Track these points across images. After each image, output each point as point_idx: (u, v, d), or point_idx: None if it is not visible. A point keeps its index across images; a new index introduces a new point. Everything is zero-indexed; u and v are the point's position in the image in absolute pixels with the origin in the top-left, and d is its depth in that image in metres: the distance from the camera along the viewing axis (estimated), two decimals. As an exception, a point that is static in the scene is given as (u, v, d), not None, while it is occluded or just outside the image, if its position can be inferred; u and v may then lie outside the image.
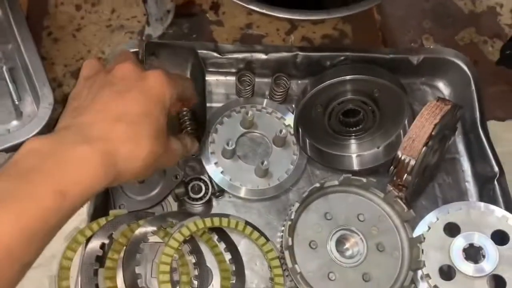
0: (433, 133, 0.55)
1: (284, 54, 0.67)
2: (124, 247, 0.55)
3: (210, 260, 0.60)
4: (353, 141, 0.66)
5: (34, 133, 0.60)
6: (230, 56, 0.67)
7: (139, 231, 0.56)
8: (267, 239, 0.60)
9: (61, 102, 0.66)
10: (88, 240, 0.54)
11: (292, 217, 0.58)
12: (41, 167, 0.35)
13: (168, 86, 0.44)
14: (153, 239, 0.58)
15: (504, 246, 0.57)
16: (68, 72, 0.71)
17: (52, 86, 0.65)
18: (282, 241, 0.59)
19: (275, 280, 0.57)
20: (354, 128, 0.64)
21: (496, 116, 0.72)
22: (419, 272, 0.58)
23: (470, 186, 0.66)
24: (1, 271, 0.31)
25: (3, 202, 0.33)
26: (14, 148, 0.59)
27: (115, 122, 0.40)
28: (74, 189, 0.35)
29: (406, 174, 0.56)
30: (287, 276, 0.58)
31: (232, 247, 0.61)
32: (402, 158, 0.56)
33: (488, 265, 0.56)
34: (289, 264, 0.56)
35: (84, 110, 0.41)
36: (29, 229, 0.33)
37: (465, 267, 0.56)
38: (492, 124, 0.70)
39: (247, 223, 0.60)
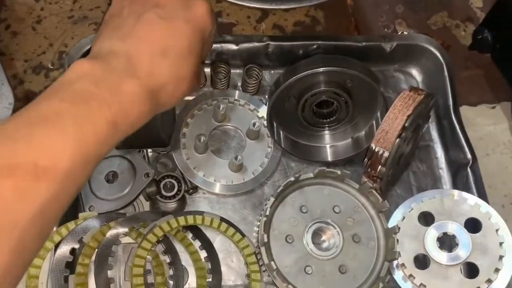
0: (406, 125, 0.54)
1: (255, 44, 0.65)
2: (95, 251, 0.53)
3: (185, 259, 0.59)
4: (327, 132, 0.66)
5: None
6: (199, 47, 0.65)
7: (110, 233, 0.55)
8: (243, 235, 0.59)
9: (22, 100, 0.63)
10: (56, 246, 0.52)
11: (267, 213, 0.57)
12: (97, 94, 0.35)
13: (212, 18, 0.43)
14: (125, 240, 0.56)
15: (477, 234, 0.57)
16: (29, 67, 0.67)
17: (12, 84, 0.61)
18: (258, 237, 0.59)
19: (251, 277, 0.57)
20: (328, 119, 0.64)
21: (468, 101, 0.72)
22: (395, 262, 0.58)
23: (444, 173, 0.67)
24: (64, 193, 0.32)
25: (64, 126, 0.32)
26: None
27: (161, 57, 0.39)
28: (124, 122, 0.36)
29: (380, 166, 0.56)
30: (264, 271, 0.58)
31: (207, 245, 0.60)
32: (376, 150, 0.55)
33: (461, 253, 0.56)
34: (265, 261, 0.55)
35: (129, 34, 0.40)
36: (87, 155, 0.33)
37: (439, 255, 0.57)
38: (464, 110, 0.70)
39: (222, 219, 0.59)
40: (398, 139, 0.54)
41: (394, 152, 0.55)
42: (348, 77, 0.59)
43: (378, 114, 0.62)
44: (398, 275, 0.58)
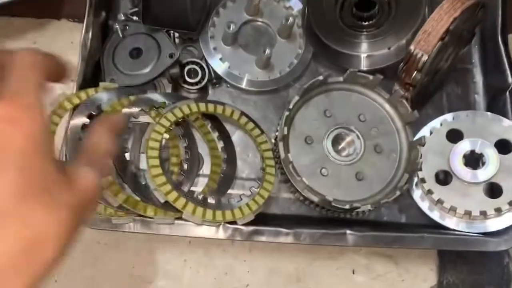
0: (451, 28, 0.51)
1: None
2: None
3: (203, 147, 0.58)
4: (363, 38, 0.62)
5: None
6: None
7: (129, 109, 0.54)
8: (262, 131, 0.58)
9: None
10: (75, 108, 0.52)
11: (291, 106, 0.55)
12: None
13: (20, 130, 0.25)
14: (143, 119, 0.55)
15: (506, 155, 0.55)
16: None
17: None
18: (277, 135, 0.57)
19: (266, 170, 0.56)
20: (367, 23, 0.60)
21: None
22: (415, 180, 0.57)
23: (480, 98, 0.63)
24: None
25: None
26: None
27: None
28: None
29: (416, 71, 0.53)
30: (278, 168, 0.57)
31: (225, 136, 0.59)
32: (415, 52, 0.52)
33: (487, 172, 0.54)
34: (282, 154, 0.54)
35: None
36: None
37: (463, 172, 0.54)
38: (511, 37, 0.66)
39: (243, 113, 0.58)
40: (440, 43, 0.51)
41: (433, 56, 0.52)
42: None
43: (423, 21, 0.58)
44: (416, 194, 0.57)
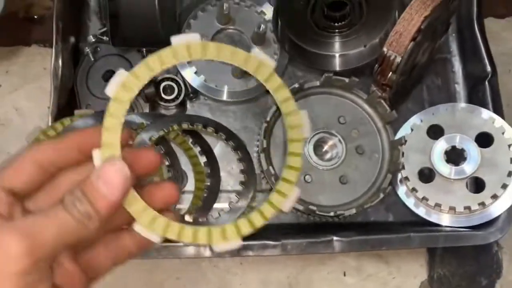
0: (422, 27, 0.50)
1: None
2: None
3: (185, 162, 0.58)
4: (337, 38, 0.61)
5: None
6: None
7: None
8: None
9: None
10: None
11: (268, 118, 0.55)
12: None
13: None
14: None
15: (487, 148, 0.54)
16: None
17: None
18: (258, 145, 0.57)
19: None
20: (339, 23, 0.59)
21: (495, 13, 0.66)
22: (399, 176, 0.57)
23: (460, 88, 0.63)
24: None
25: None
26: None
27: None
28: None
29: (391, 72, 0.52)
30: (263, 178, 0.57)
31: (207, 150, 0.59)
32: (388, 54, 0.51)
33: (469, 167, 0.54)
34: (264, 166, 0.54)
35: None
36: None
37: (445, 169, 0.54)
38: (490, 21, 0.65)
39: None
40: (412, 43, 0.50)
41: (406, 57, 0.51)
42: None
43: (396, 18, 0.57)
44: (401, 190, 0.57)
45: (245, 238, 0.53)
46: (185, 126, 0.56)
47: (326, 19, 0.59)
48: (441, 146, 0.55)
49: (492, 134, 0.55)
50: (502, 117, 0.56)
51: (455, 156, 0.55)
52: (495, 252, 0.59)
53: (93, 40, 0.59)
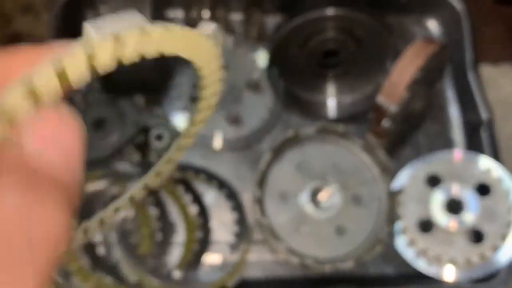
0: (416, 76, 0.50)
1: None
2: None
3: (173, 212, 0.57)
4: (332, 86, 0.61)
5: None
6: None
7: (97, 182, 0.52)
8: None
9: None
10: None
11: (262, 167, 0.54)
12: None
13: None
14: (112, 192, 0.54)
15: (486, 197, 0.53)
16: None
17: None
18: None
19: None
20: (334, 70, 0.59)
21: (490, 59, 0.66)
22: (397, 226, 0.55)
23: (457, 135, 0.62)
24: None
25: None
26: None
27: None
28: None
29: (386, 121, 0.52)
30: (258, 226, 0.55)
31: (198, 200, 0.57)
32: (382, 104, 0.51)
33: (468, 218, 0.52)
34: (258, 217, 0.52)
35: None
36: None
37: (444, 220, 0.53)
38: (485, 68, 0.65)
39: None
40: (406, 92, 0.50)
41: (402, 106, 0.50)
42: (358, 24, 0.54)
43: (390, 67, 0.57)
44: (399, 242, 0.55)
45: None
46: (176, 174, 0.55)
47: (321, 66, 0.59)
48: (439, 196, 0.53)
49: (490, 183, 0.53)
50: (501, 162, 0.55)
51: (454, 205, 0.54)
52: (499, 306, 0.56)
53: (84, 88, 0.58)
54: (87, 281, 0.47)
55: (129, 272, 0.47)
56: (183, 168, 0.55)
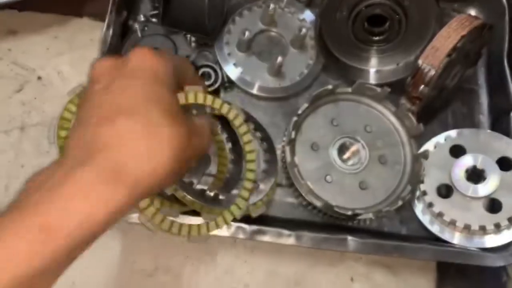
0: (458, 45, 0.53)
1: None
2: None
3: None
4: (373, 54, 0.64)
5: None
6: None
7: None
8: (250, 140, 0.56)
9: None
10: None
11: (299, 112, 0.57)
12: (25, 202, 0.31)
13: (158, 59, 0.38)
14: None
15: (508, 172, 0.56)
16: None
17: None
18: (284, 139, 0.58)
19: (244, 185, 0.53)
20: (377, 38, 0.62)
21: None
22: (417, 193, 0.58)
23: (484, 118, 0.65)
24: None
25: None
26: None
27: (108, 123, 0.33)
28: (63, 223, 0.29)
29: (423, 85, 0.55)
30: (284, 173, 0.58)
31: (233, 139, 0.60)
32: (422, 67, 0.54)
33: (488, 187, 0.55)
34: (288, 158, 0.55)
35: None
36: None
37: (464, 186, 0.55)
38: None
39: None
40: (447, 59, 0.53)
41: (440, 72, 0.53)
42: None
43: (432, 38, 0.60)
44: (418, 207, 0.58)
45: (260, 224, 0.54)
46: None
47: (365, 32, 0.62)
48: (463, 163, 0.56)
49: (512, 160, 0.56)
50: (524, 146, 0.57)
51: (475, 175, 0.56)
52: (504, 282, 0.58)
53: (143, 19, 0.62)
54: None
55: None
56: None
